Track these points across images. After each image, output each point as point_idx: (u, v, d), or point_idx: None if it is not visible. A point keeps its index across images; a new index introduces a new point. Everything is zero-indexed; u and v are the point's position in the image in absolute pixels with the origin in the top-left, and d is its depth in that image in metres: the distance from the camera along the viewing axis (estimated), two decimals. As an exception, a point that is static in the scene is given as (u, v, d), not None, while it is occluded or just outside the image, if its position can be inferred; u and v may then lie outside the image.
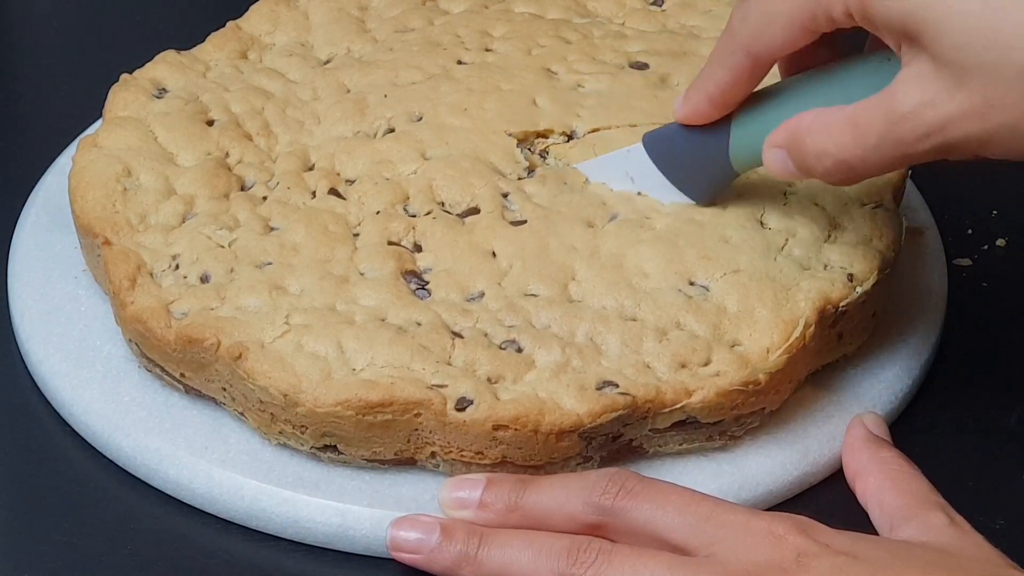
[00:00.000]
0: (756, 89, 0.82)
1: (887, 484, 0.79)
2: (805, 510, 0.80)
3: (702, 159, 0.85)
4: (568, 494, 0.76)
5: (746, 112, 0.83)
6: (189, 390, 0.84)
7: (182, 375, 0.83)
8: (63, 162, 0.99)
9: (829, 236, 0.87)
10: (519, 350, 0.81)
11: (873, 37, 0.78)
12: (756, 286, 0.84)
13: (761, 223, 0.87)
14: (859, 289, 0.84)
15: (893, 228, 0.88)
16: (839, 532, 0.74)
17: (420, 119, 0.94)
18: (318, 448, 0.80)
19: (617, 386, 0.79)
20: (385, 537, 0.78)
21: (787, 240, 0.86)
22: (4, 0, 1.23)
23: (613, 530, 0.75)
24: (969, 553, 0.74)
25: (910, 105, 0.72)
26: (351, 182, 0.90)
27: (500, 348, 0.81)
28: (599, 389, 0.79)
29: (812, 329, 0.82)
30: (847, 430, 0.84)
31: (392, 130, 0.93)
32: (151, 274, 0.84)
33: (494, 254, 0.86)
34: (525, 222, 0.87)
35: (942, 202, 1.01)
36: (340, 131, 0.94)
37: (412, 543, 0.77)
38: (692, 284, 0.84)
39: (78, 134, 0.99)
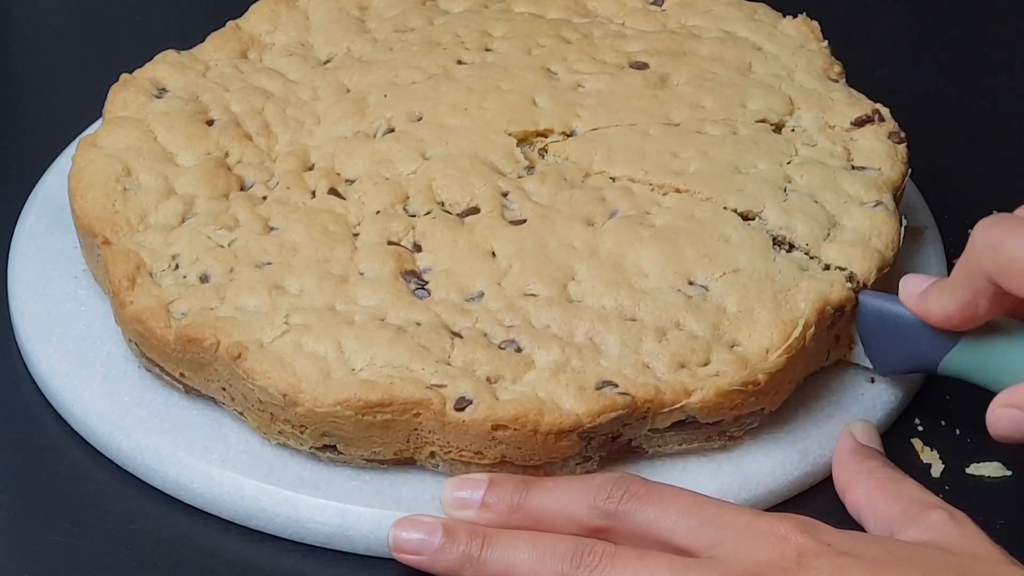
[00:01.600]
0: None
1: (876, 492, 0.79)
2: (805, 510, 0.80)
3: (911, 347, 0.83)
4: (572, 497, 0.76)
5: (982, 334, 0.81)
6: (189, 390, 0.84)
7: (182, 375, 0.83)
8: (63, 162, 0.99)
9: (828, 235, 0.87)
10: (518, 350, 0.81)
11: None
12: (756, 286, 0.84)
13: (761, 219, 0.87)
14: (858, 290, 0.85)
15: (892, 227, 0.88)
16: (842, 532, 0.73)
17: (420, 119, 0.94)
18: (318, 448, 0.80)
19: (616, 386, 0.79)
20: (386, 537, 0.78)
21: (786, 237, 0.86)
22: (4, 0, 1.23)
23: (617, 534, 0.75)
24: (972, 552, 0.74)
25: None
26: (351, 182, 0.90)
27: (499, 348, 0.81)
28: (598, 389, 0.79)
29: (811, 330, 0.82)
30: (836, 443, 0.84)
31: (392, 130, 0.93)
32: (151, 274, 0.84)
33: (494, 254, 0.86)
34: (525, 221, 0.87)
35: (942, 202, 1.01)
36: (340, 131, 0.94)
37: (415, 544, 0.77)
38: (692, 284, 0.84)
39: (78, 134, 0.99)
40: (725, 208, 0.88)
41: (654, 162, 0.90)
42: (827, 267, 0.85)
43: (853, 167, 0.91)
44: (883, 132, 0.93)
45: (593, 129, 0.93)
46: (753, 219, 0.87)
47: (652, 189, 0.89)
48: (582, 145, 0.92)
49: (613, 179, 0.90)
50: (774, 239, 0.86)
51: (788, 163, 0.91)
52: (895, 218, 0.88)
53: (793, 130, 0.94)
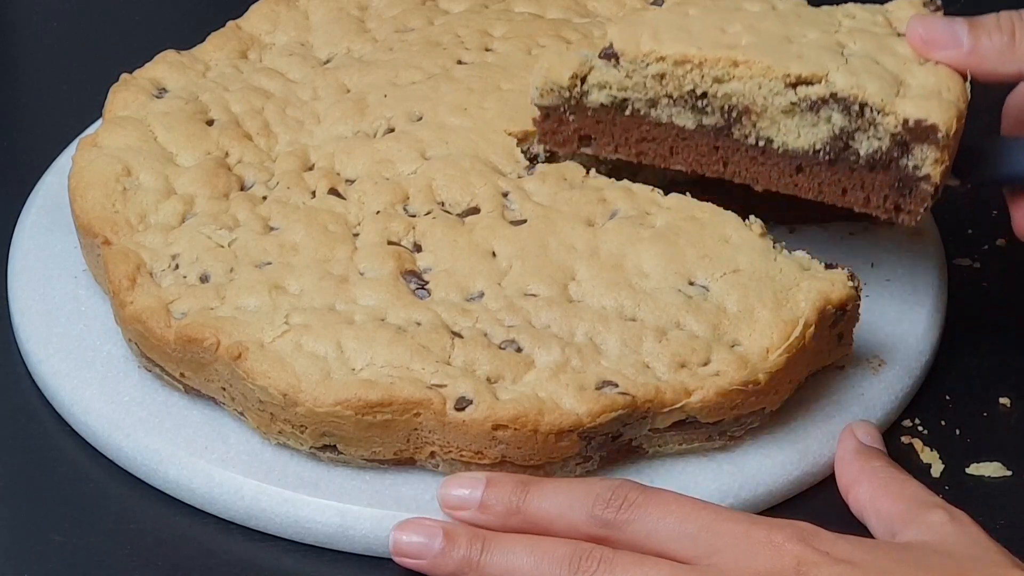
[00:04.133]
0: None
1: (880, 491, 0.79)
2: (805, 510, 0.80)
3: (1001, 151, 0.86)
4: (571, 502, 0.76)
5: None
6: (189, 390, 0.84)
7: (182, 375, 0.83)
8: (63, 162, 0.99)
9: (898, 92, 0.84)
10: (519, 350, 0.81)
11: None
12: (756, 286, 0.84)
13: (828, 82, 0.84)
14: (930, 162, 0.83)
15: (958, 81, 0.85)
16: (840, 538, 0.73)
17: (420, 119, 0.94)
18: (317, 448, 0.80)
19: (617, 386, 0.79)
20: (386, 537, 0.78)
21: (858, 96, 0.84)
22: (4, 0, 1.23)
23: (615, 542, 0.75)
24: (971, 553, 0.74)
25: None
26: (351, 182, 0.90)
27: (500, 348, 0.81)
28: (599, 389, 0.79)
29: (812, 329, 0.82)
30: (838, 442, 0.84)
31: (392, 130, 0.93)
32: (151, 274, 0.84)
33: (494, 254, 0.86)
34: (525, 221, 0.87)
35: (942, 202, 1.01)
36: (340, 131, 0.94)
37: (415, 547, 0.77)
38: (692, 284, 0.84)
39: (78, 134, 0.99)
40: (788, 75, 0.85)
41: (704, 39, 0.87)
42: (829, 265, 0.85)
43: (899, 34, 0.88)
44: (917, 2, 0.90)
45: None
46: (819, 83, 0.84)
47: (703, 75, 0.86)
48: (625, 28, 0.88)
49: (662, 58, 0.86)
50: (844, 101, 0.84)
51: (836, 32, 0.88)
52: (958, 75, 0.85)
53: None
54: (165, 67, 0.98)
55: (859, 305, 0.85)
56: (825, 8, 0.91)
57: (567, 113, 0.88)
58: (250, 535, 0.80)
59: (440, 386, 0.79)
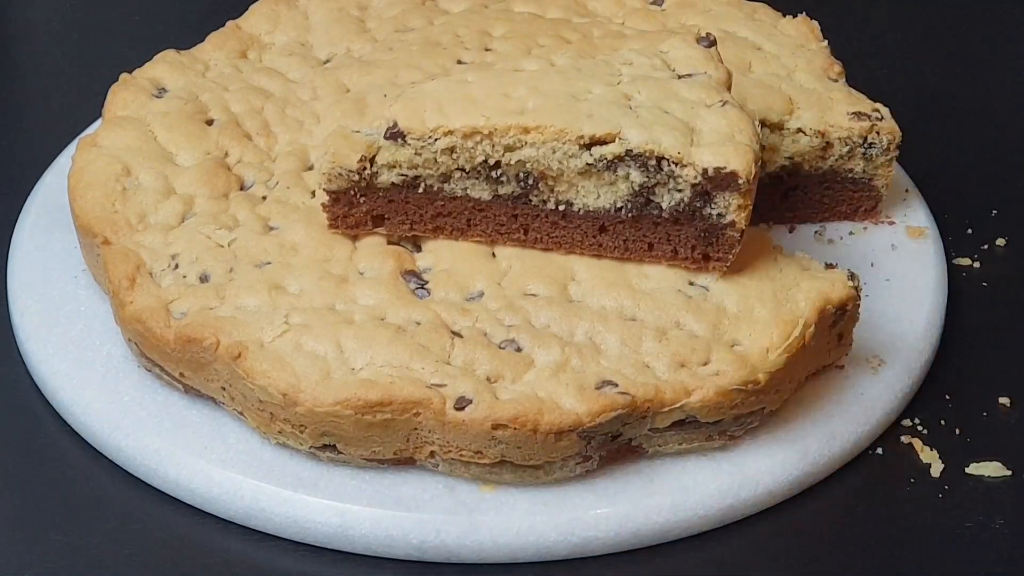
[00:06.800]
0: None
1: None
2: (805, 510, 0.80)
3: None
4: None
5: None
6: (188, 390, 0.84)
7: (181, 375, 0.83)
8: (63, 162, 0.99)
9: (692, 140, 0.83)
10: (518, 349, 0.81)
11: None
12: (756, 286, 0.84)
13: (622, 140, 0.83)
14: (733, 208, 0.81)
15: (748, 122, 0.84)
16: None
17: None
18: (317, 448, 0.80)
19: (616, 385, 0.79)
20: (384, 538, 0.78)
21: (654, 152, 0.82)
22: (4, 0, 1.23)
23: None
24: None
25: None
26: (351, 182, 0.90)
27: (499, 347, 0.81)
28: (598, 388, 0.79)
29: (812, 329, 0.82)
30: None
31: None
32: (150, 274, 0.84)
33: (494, 254, 0.86)
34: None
35: (942, 202, 1.02)
36: (340, 131, 0.93)
37: None
38: (692, 284, 0.84)
39: (78, 134, 0.99)
40: (581, 136, 0.83)
41: (490, 107, 0.85)
42: (829, 265, 0.85)
43: (679, 76, 0.87)
44: (690, 39, 0.89)
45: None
46: (613, 141, 0.83)
47: (494, 144, 0.84)
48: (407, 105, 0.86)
49: (450, 132, 0.84)
50: (640, 157, 0.82)
51: (619, 83, 0.87)
52: (746, 115, 0.84)
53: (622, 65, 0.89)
54: (165, 67, 0.98)
55: (859, 305, 0.85)
56: (602, 58, 0.89)
57: (357, 195, 0.85)
58: (250, 535, 0.80)
59: (440, 386, 0.79)
